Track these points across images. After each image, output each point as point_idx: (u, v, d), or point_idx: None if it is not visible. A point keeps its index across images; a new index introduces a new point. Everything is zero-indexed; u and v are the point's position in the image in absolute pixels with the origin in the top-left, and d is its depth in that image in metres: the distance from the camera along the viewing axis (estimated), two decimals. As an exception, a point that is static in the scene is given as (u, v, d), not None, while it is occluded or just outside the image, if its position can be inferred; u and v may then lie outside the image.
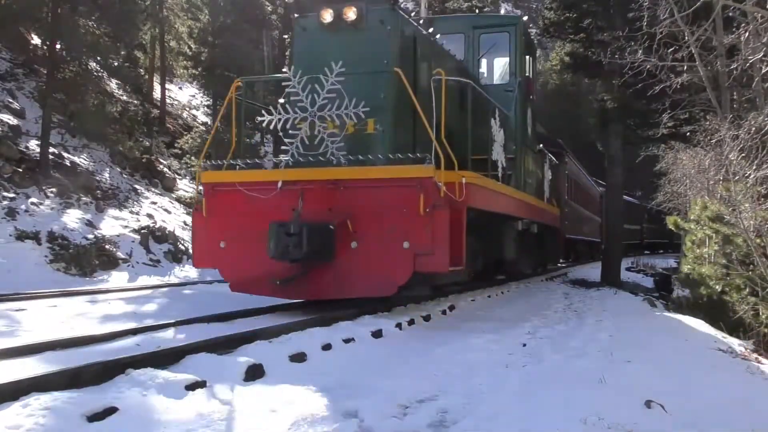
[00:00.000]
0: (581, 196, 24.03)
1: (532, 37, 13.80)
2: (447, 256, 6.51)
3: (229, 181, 7.35)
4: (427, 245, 6.49)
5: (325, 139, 7.07)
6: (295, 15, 7.96)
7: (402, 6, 8.08)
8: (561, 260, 21.90)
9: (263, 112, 7.46)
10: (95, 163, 17.33)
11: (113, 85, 23.38)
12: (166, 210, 17.97)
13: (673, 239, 50.84)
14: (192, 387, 3.73)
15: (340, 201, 6.85)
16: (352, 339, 5.56)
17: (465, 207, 6.93)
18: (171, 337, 5.55)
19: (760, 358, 6.96)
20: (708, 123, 11.93)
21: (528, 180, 12.30)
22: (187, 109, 30.08)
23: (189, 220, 15.57)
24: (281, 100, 7.63)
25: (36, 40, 19.35)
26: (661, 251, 48.90)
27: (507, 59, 11.59)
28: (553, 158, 16.20)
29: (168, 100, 27.94)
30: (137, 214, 16.29)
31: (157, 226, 15.83)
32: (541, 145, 14.16)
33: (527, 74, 12.06)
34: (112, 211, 15.54)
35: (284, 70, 6.93)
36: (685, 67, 12.08)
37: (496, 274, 12.96)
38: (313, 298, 7.41)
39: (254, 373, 4.16)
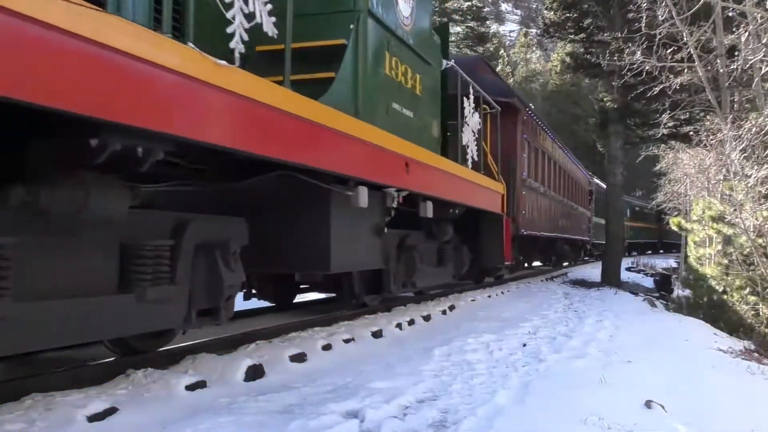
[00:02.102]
0: (558, 178, 18.36)
1: None
2: None
3: None
4: None
5: None
6: None
7: None
8: (519, 265, 15.99)
9: None
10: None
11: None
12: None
13: (662, 239, 49.77)
14: (192, 387, 3.73)
15: None
16: (352, 339, 5.57)
17: None
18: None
19: (761, 357, 6.97)
20: (709, 123, 11.95)
21: (400, 109, 6.19)
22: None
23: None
24: None
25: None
26: (650, 252, 45.32)
27: None
28: (491, 101, 10.09)
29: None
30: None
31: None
32: (452, 62, 8.10)
33: None
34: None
35: None
36: (685, 68, 12.09)
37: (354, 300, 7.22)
38: None
39: (254, 373, 4.16)
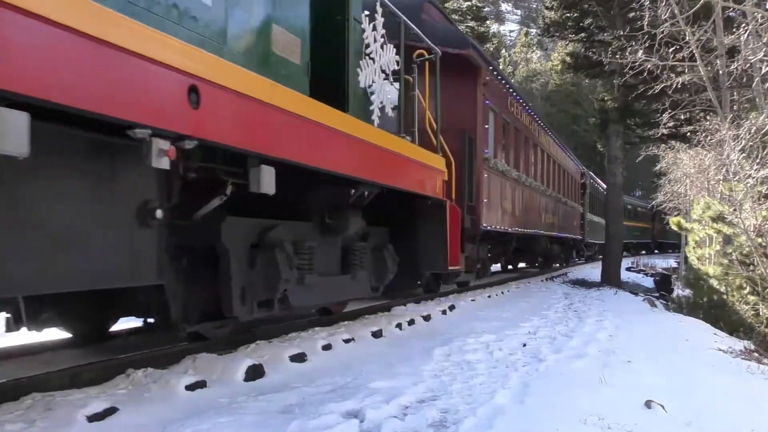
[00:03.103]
0: (540, 164, 15.68)
1: None
2: None
3: None
4: None
5: None
6: None
7: None
8: (486, 269, 12.95)
9: None
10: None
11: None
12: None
13: (657, 238, 49.52)
14: (192, 387, 3.74)
15: None
16: (352, 339, 5.57)
17: None
18: (171, 337, 5.54)
19: (761, 357, 6.97)
20: (708, 123, 11.96)
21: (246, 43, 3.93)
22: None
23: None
24: None
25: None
26: (644, 252, 43.75)
27: None
28: (426, 40, 6.93)
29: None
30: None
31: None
32: None
33: None
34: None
35: None
36: (686, 68, 12.10)
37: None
38: None
39: (254, 373, 4.17)
